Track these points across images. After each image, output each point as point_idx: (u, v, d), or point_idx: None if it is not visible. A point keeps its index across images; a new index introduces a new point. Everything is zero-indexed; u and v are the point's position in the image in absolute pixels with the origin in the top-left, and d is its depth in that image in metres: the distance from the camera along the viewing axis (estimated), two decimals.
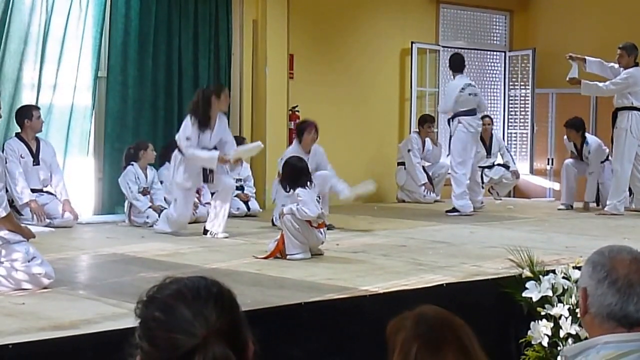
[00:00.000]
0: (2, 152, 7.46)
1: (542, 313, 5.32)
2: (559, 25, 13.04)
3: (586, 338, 2.42)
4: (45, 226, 8.21)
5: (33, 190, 8.42)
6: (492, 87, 13.41)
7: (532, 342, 5.31)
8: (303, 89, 10.67)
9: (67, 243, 7.46)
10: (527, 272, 5.53)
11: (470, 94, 9.97)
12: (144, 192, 8.82)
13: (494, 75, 13.43)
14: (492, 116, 12.40)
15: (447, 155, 10.68)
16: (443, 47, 12.47)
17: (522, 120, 13.29)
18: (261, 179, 10.17)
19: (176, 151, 8.00)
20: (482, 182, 11.27)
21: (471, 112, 9.98)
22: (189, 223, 8.50)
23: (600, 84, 9.77)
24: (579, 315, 2.78)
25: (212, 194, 8.38)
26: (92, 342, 4.04)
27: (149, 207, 8.72)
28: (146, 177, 8.90)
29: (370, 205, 10.85)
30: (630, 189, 10.03)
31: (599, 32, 12.20)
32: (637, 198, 10.10)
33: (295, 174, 6.75)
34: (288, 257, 6.49)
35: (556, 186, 12.38)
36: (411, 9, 12.11)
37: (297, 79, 10.74)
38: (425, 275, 5.79)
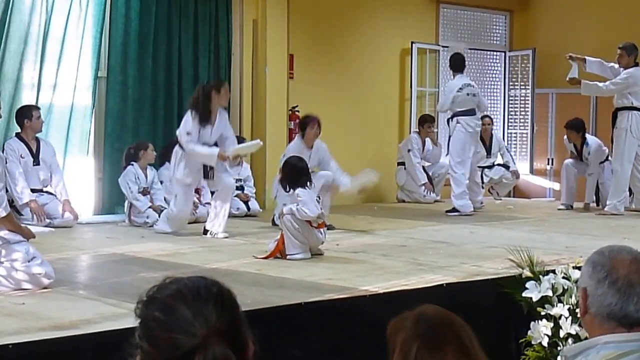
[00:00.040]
0: (2, 152, 7.46)
1: (542, 313, 5.31)
2: (559, 25, 13.04)
3: (586, 338, 2.42)
4: (45, 226, 8.21)
5: (33, 190, 8.42)
6: (492, 87, 13.42)
7: (532, 342, 5.31)
8: (303, 89, 10.67)
9: (67, 243, 7.46)
10: (527, 272, 5.53)
11: (468, 94, 9.97)
12: (144, 192, 8.82)
13: (494, 75, 13.43)
14: (492, 116, 12.40)
15: (446, 155, 10.68)
16: (443, 47, 12.47)
17: (522, 120, 13.29)
18: (261, 178, 10.18)
19: (177, 147, 8.00)
20: (482, 182, 11.27)
21: (470, 112, 9.98)
22: (189, 223, 8.51)
23: (600, 84, 9.77)
24: (579, 315, 2.78)
25: (212, 193, 8.38)
26: (92, 342, 4.04)
27: (149, 207, 8.73)
28: (146, 177, 8.90)
29: (370, 205, 10.86)
30: (630, 189, 10.03)
31: (599, 32, 12.20)
32: (637, 198, 10.10)
33: (295, 174, 6.75)
34: (288, 257, 6.49)
35: (556, 186, 12.38)
36: (411, 9, 12.11)
37: (297, 79, 10.74)
38: (425, 275, 5.79)
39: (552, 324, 5.26)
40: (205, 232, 7.93)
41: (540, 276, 5.44)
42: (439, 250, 7.02)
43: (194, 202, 8.69)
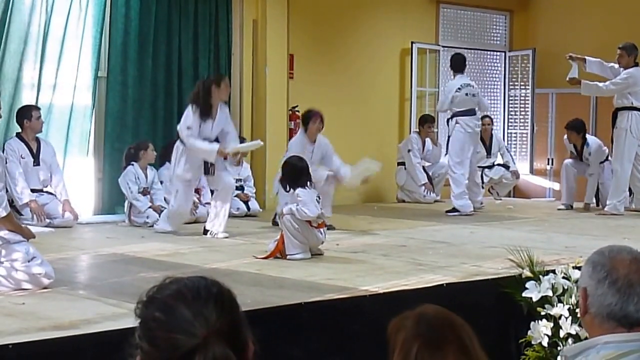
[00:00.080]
0: (3, 152, 7.46)
1: (542, 313, 5.31)
2: (559, 25, 13.04)
3: (586, 338, 2.42)
4: (45, 226, 8.22)
5: (33, 191, 8.42)
6: (492, 87, 13.41)
7: (532, 342, 5.31)
8: (303, 89, 10.66)
9: (67, 243, 7.46)
10: (527, 272, 5.53)
11: (467, 94, 9.97)
12: (144, 192, 8.82)
13: (494, 75, 13.43)
14: (492, 116, 12.39)
15: (445, 155, 10.69)
16: (443, 47, 12.47)
17: (522, 120, 13.29)
18: (261, 178, 10.18)
19: (178, 142, 8.00)
20: (482, 182, 11.27)
21: (469, 112, 9.98)
22: (189, 223, 8.52)
23: (600, 84, 9.77)
24: (579, 315, 2.78)
25: (212, 192, 8.37)
26: (92, 342, 4.04)
27: (149, 207, 8.72)
28: (146, 177, 8.90)
29: (370, 205, 10.86)
30: (630, 189, 10.03)
31: (599, 32, 12.20)
32: (637, 198, 10.10)
33: (295, 174, 6.75)
34: (288, 257, 6.49)
35: (556, 186, 12.38)
36: (411, 9, 12.11)
37: (297, 79, 10.74)
38: (425, 275, 5.79)
39: (552, 324, 5.26)
40: (205, 232, 7.93)
41: (540, 276, 5.45)
42: (439, 250, 7.02)
43: (194, 202, 8.70)
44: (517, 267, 5.63)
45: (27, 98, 8.86)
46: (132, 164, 8.81)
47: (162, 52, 9.76)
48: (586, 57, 9.86)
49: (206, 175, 8.09)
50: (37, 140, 8.59)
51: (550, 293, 5.34)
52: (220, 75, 8.74)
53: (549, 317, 5.29)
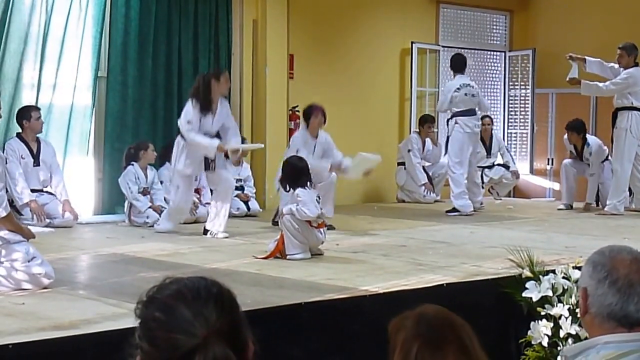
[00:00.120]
0: (3, 152, 7.46)
1: (542, 313, 5.31)
2: (559, 25, 13.04)
3: (586, 338, 2.42)
4: (45, 226, 8.22)
5: (33, 191, 8.42)
6: (492, 87, 13.41)
7: (532, 342, 5.31)
8: (303, 89, 10.66)
9: (67, 243, 7.46)
10: (527, 272, 5.53)
11: (466, 94, 9.96)
12: (144, 192, 8.82)
13: (494, 75, 13.43)
14: (492, 116, 12.39)
15: (444, 155, 10.70)
16: (443, 47, 12.47)
17: (522, 120, 13.29)
18: (261, 178, 10.18)
19: (179, 137, 7.99)
20: (482, 182, 11.26)
21: (468, 113, 9.98)
22: (189, 223, 8.52)
23: (600, 84, 9.77)
24: (579, 315, 2.78)
25: (212, 192, 8.37)
26: (92, 342, 4.04)
27: (149, 207, 8.72)
28: (146, 177, 8.90)
29: (370, 205, 10.86)
30: (630, 189, 10.03)
31: (599, 32, 12.20)
32: (637, 198, 10.10)
33: (296, 174, 6.75)
34: (288, 257, 6.49)
35: (556, 186, 12.38)
36: (411, 9, 12.11)
37: (297, 79, 10.74)
38: (425, 275, 5.79)
39: (552, 324, 5.26)
40: (205, 232, 7.93)
41: (540, 276, 5.44)
42: (439, 250, 7.02)
43: (193, 202, 8.70)
44: (517, 267, 5.63)
45: (27, 98, 8.86)
46: (132, 164, 8.81)
47: (162, 52, 9.76)
48: (586, 57, 9.86)
49: (206, 171, 8.06)
50: (38, 141, 8.58)
51: (550, 293, 5.34)
52: (220, 69, 8.73)
53: (549, 317, 5.29)
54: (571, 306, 5.23)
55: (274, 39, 10.45)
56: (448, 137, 10.09)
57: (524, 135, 13.24)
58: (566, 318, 5.23)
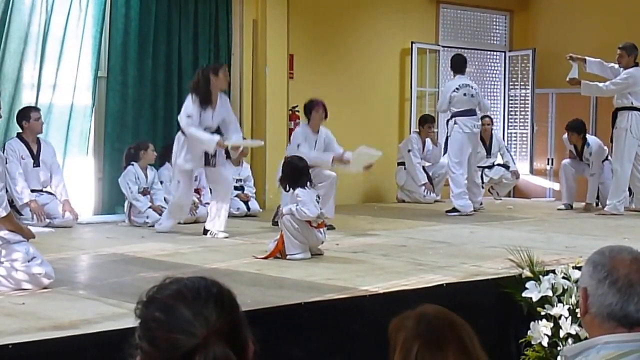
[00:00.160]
0: (3, 152, 7.46)
1: (542, 313, 5.31)
2: (559, 25, 13.04)
3: (586, 338, 2.42)
4: (45, 226, 8.22)
5: (33, 191, 8.42)
6: (492, 87, 13.42)
7: (532, 342, 5.31)
8: (303, 89, 10.65)
9: (67, 243, 7.46)
10: (527, 272, 5.52)
11: (465, 94, 9.96)
12: (144, 192, 8.82)
13: (494, 75, 13.43)
14: (492, 116, 12.39)
15: (444, 155, 10.70)
16: (443, 47, 12.47)
17: (522, 120, 13.30)
18: (261, 178, 10.17)
19: (179, 133, 7.99)
20: (482, 182, 11.26)
21: (467, 113, 9.98)
22: (189, 223, 8.52)
23: (600, 84, 9.77)
24: (579, 315, 2.78)
25: (211, 191, 8.36)
26: (92, 342, 4.04)
27: (149, 207, 8.73)
28: (146, 177, 8.90)
29: (370, 205, 10.86)
30: (630, 189, 10.03)
31: (599, 32, 12.20)
32: (637, 198, 10.10)
33: (296, 174, 6.75)
34: (288, 257, 6.49)
35: (556, 186, 12.38)
36: (411, 9, 12.11)
37: (297, 79, 10.74)
38: (425, 275, 5.79)
39: (552, 324, 5.26)
40: (205, 232, 7.93)
41: (540, 276, 5.44)
42: (439, 250, 7.02)
43: (193, 202, 8.70)
44: (517, 267, 5.63)
45: (27, 98, 8.86)
46: (132, 164, 8.81)
47: (162, 52, 9.75)
48: (586, 57, 9.85)
49: (206, 166, 8.03)
50: (38, 141, 8.58)
51: (550, 293, 5.34)
52: (219, 64, 8.72)
53: (549, 317, 5.29)
54: (571, 306, 5.23)
55: (274, 39, 10.45)
56: (447, 138, 10.10)
57: (524, 135, 13.24)
58: (566, 318, 5.23)
